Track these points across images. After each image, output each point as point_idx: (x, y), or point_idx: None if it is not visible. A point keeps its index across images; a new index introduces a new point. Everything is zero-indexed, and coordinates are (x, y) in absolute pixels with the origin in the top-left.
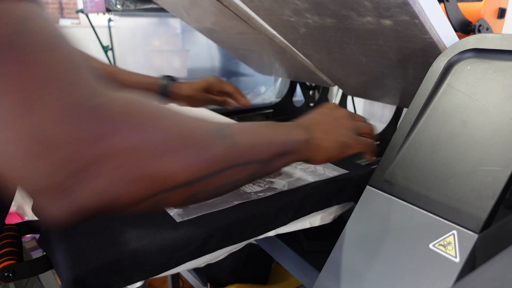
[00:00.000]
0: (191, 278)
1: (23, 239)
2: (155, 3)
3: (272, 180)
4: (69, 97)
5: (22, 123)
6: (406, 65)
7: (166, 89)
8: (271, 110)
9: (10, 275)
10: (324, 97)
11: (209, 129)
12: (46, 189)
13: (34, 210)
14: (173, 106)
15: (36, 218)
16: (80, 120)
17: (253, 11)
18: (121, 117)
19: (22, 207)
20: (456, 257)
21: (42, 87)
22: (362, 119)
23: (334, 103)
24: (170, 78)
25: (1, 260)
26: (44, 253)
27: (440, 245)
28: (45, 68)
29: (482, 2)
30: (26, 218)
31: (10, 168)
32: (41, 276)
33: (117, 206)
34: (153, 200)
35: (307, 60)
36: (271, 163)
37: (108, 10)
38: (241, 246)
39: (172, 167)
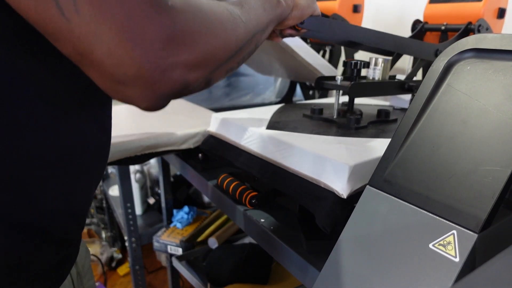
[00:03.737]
0: (191, 278)
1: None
2: None
3: None
4: (153, 1)
5: (121, 21)
6: None
7: None
8: None
9: (256, 202)
10: (324, 97)
11: (230, 12)
12: (134, 77)
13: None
14: None
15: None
16: (161, 22)
17: None
18: (191, 24)
19: None
20: (456, 257)
21: None
22: None
23: None
24: None
25: (248, 192)
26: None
27: (440, 245)
28: None
29: (482, 2)
30: None
31: (110, 57)
32: None
33: (187, 89)
34: (206, 79)
35: (307, 60)
36: (266, 30)
37: None
38: None
39: (219, 52)
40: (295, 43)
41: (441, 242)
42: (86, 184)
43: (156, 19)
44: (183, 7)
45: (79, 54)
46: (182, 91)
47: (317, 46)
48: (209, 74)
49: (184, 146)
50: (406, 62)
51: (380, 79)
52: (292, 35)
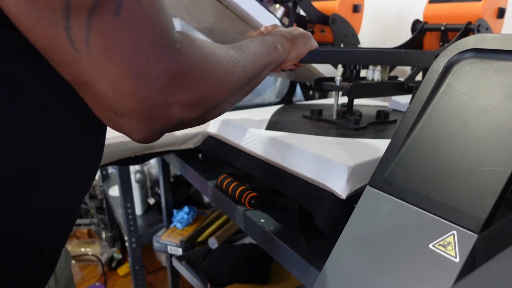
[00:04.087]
0: (191, 278)
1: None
2: None
3: None
4: (162, 41)
5: (130, 59)
6: None
7: None
8: None
9: (255, 202)
10: (324, 98)
11: (230, 56)
12: (133, 111)
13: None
14: None
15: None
16: (168, 62)
17: None
18: (194, 67)
19: None
20: (456, 257)
21: (144, 32)
22: None
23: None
24: None
25: (248, 192)
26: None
27: (440, 245)
28: (147, 17)
29: (482, 2)
30: None
31: (113, 90)
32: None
33: (181, 126)
34: (203, 117)
35: None
36: (262, 74)
37: None
38: None
39: (216, 94)
40: None
41: (441, 243)
42: (73, 196)
43: (163, 60)
44: (189, 50)
45: (81, 83)
46: (175, 128)
47: None
48: (204, 113)
49: (184, 146)
50: None
51: (380, 80)
52: (292, 70)
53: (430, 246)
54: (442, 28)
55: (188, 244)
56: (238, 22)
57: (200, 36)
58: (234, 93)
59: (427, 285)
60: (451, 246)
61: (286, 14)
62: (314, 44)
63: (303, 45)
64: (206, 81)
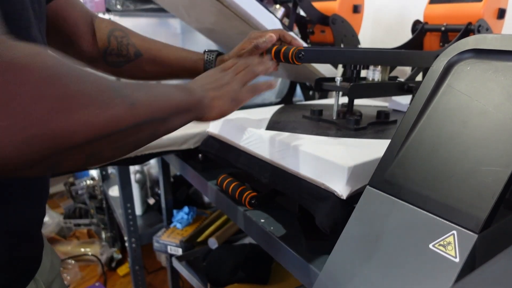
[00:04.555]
0: (191, 278)
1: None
2: (155, 3)
3: None
4: None
5: None
6: None
7: (211, 65)
8: None
9: (255, 202)
10: (324, 98)
11: (109, 87)
12: None
13: None
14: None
15: None
16: None
17: None
18: (16, 68)
19: None
20: (456, 257)
21: None
22: (242, 66)
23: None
24: (216, 53)
25: (248, 192)
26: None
27: (440, 245)
28: None
29: (482, 3)
30: None
31: None
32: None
33: (6, 170)
34: (47, 163)
35: None
36: (169, 121)
37: (108, 10)
38: None
39: (68, 126)
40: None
41: (441, 243)
42: (23, 201)
43: None
44: (10, 55)
45: None
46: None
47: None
48: (51, 154)
49: (184, 147)
50: None
51: (380, 80)
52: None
53: (430, 246)
54: (443, 28)
55: (188, 244)
56: (238, 22)
57: (200, 36)
58: (112, 135)
59: (427, 285)
60: (451, 246)
61: (286, 14)
62: (246, 98)
63: (229, 103)
64: (42, 103)
